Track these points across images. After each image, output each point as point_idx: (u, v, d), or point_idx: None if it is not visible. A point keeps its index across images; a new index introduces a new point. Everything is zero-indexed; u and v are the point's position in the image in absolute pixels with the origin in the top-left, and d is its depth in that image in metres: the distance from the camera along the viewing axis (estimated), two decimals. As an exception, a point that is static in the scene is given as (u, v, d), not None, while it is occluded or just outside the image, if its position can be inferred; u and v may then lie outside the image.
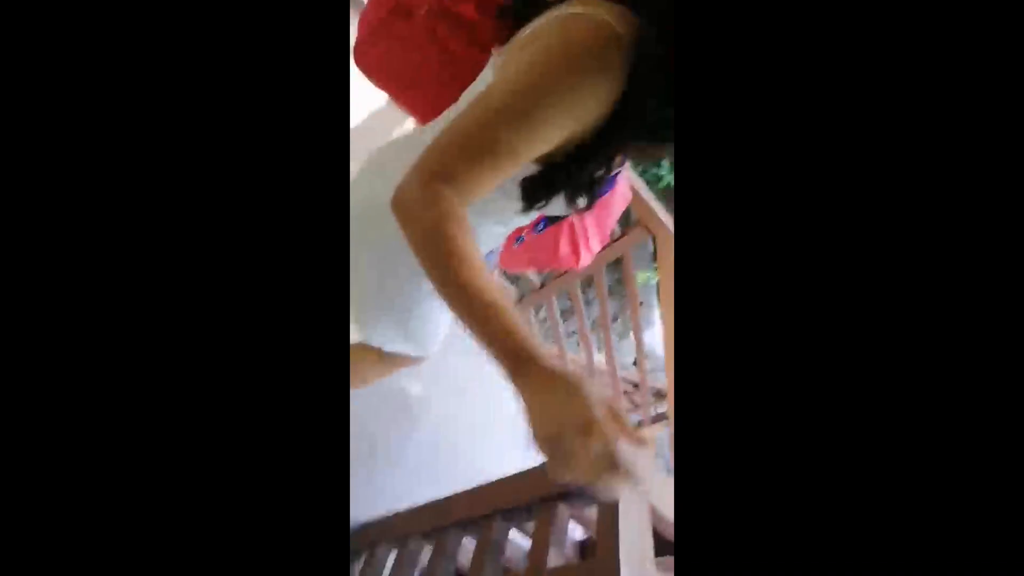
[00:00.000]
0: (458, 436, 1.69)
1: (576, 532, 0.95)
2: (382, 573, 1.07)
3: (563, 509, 0.78)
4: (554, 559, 0.72)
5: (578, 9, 0.50)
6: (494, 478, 0.94)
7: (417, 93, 0.80)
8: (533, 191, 0.58)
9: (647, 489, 0.70)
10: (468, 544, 0.95)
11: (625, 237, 1.54)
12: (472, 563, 0.83)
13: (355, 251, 0.73)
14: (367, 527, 1.19)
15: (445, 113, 0.68)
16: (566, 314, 2.25)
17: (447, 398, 1.73)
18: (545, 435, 0.41)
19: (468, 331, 0.46)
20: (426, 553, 0.99)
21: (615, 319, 2.23)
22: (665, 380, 1.99)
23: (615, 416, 0.40)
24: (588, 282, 2.24)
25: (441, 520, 0.96)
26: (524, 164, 0.52)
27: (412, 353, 0.88)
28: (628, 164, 0.83)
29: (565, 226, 0.91)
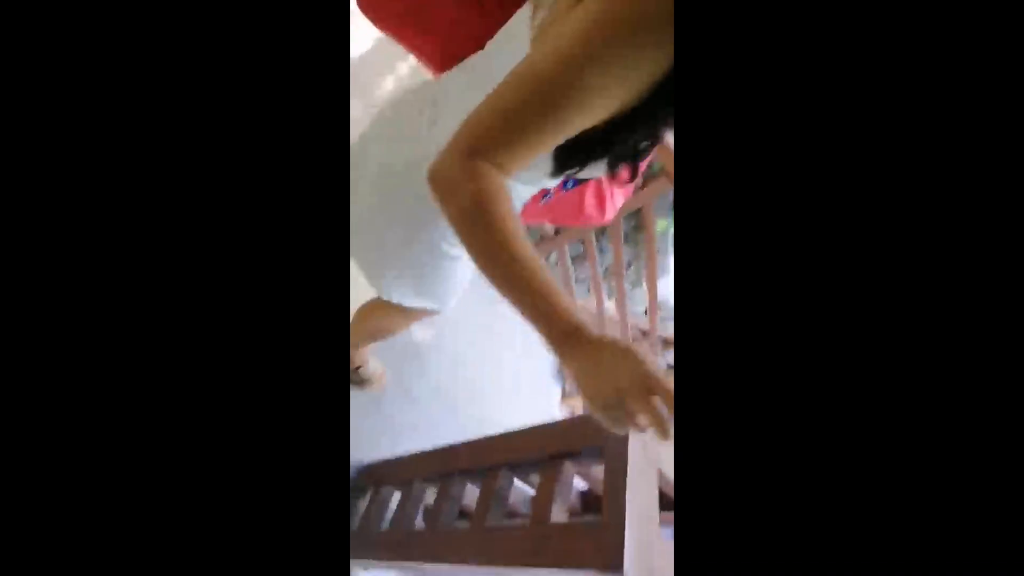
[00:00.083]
0: (465, 382, 1.71)
1: (579, 483, 0.97)
2: (387, 510, 1.11)
3: (569, 466, 0.78)
4: (557, 514, 0.73)
5: None
6: (500, 424, 0.95)
7: (432, 39, 0.70)
8: (569, 158, 0.54)
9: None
10: (472, 491, 0.97)
11: (648, 188, 1.48)
12: (476, 508, 0.84)
13: (373, 212, 0.71)
14: (372, 467, 1.21)
15: (468, 61, 0.62)
16: (578, 260, 2.21)
17: (455, 344, 1.74)
18: (603, 401, 0.44)
19: (513, 305, 0.47)
20: (431, 495, 1.02)
21: (629, 266, 2.19)
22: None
23: (665, 372, 0.43)
24: (602, 229, 2.18)
25: (447, 467, 0.98)
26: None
27: (430, 307, 0.87)
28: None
29: (592, 183, 0.86)
